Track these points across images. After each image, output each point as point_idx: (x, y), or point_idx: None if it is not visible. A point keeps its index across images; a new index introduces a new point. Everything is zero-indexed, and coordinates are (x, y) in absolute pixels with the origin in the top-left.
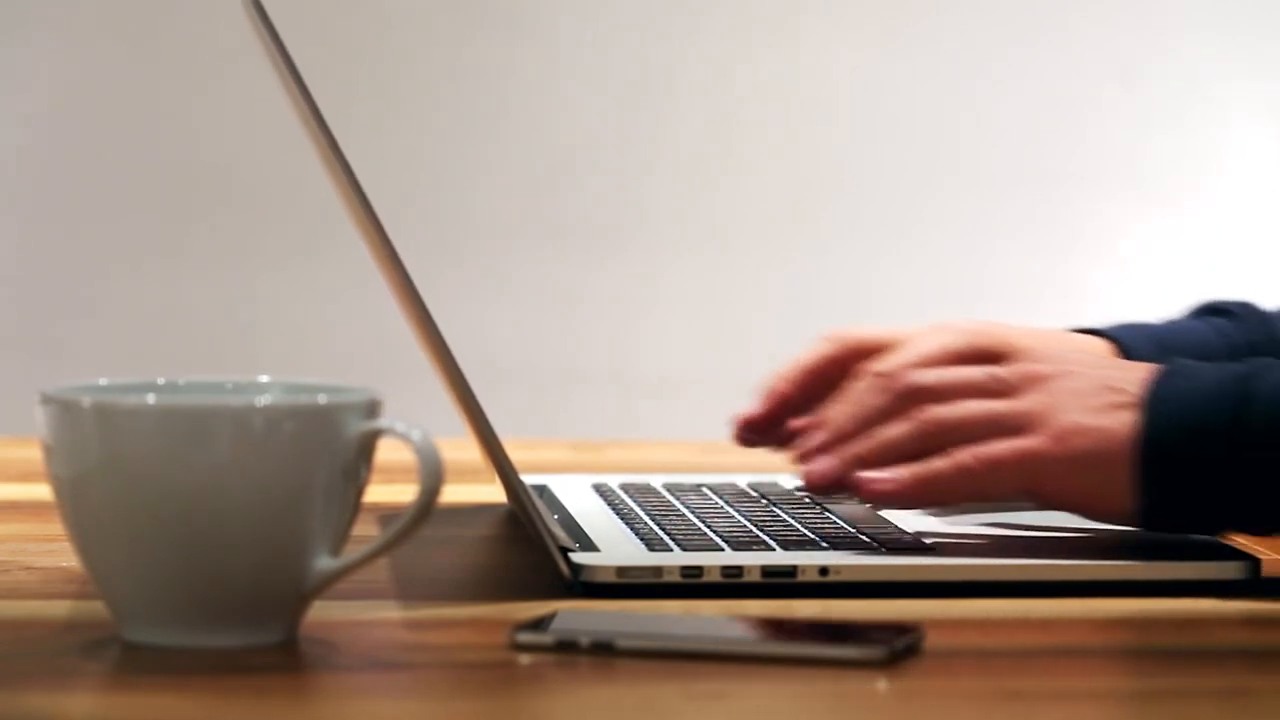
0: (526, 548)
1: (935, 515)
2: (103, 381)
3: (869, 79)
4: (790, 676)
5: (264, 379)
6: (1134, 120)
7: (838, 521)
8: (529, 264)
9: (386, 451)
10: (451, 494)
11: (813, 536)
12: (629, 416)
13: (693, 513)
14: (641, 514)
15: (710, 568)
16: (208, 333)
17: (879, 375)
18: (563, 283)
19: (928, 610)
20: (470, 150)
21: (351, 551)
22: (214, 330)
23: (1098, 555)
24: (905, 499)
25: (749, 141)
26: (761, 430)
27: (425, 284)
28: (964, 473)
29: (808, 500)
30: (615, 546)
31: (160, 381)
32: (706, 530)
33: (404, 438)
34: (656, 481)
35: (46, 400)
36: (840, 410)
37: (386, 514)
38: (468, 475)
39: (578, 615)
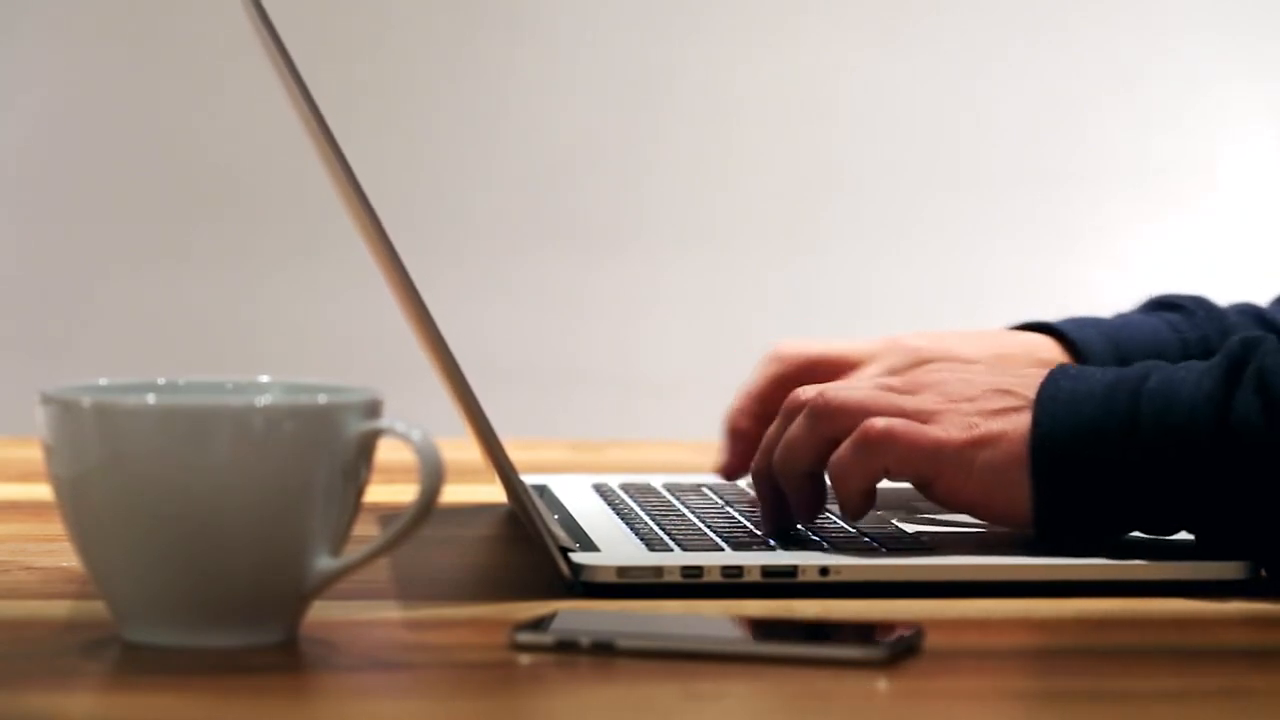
0: (526, 548)
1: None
2: (103, 381)
3: (869, 79)
4: (790, 676)
5: (264, 379)
6: (1134, 120)
7: (838, 522)
8: (529, 264)
9: (386, 451)
10: (451, 494)
11: (813, 536)
12: (629, 416)
13: (693, 513)
14: (641, 514)
15: (710, 568)
16: (208, 333)
17: (786, 407)
18: (563, 283)
19: (928, 610)
20: (470, 150)
21: (351, 551)
22: (214, 330)
23: (1098, 555)
24: (837, 494)
25: (749, 142)
26: (738, 472)
27: (425, 284)
28: (865, 447)
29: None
30: (615, 546)
31: (160, 381)
32: (706, 530)
33: (404, 438)
34: (656, 481)
35: (46, 400)
36: (759, 452)
37: (386, 514)
38: (468, 475)
39: (578, 615)
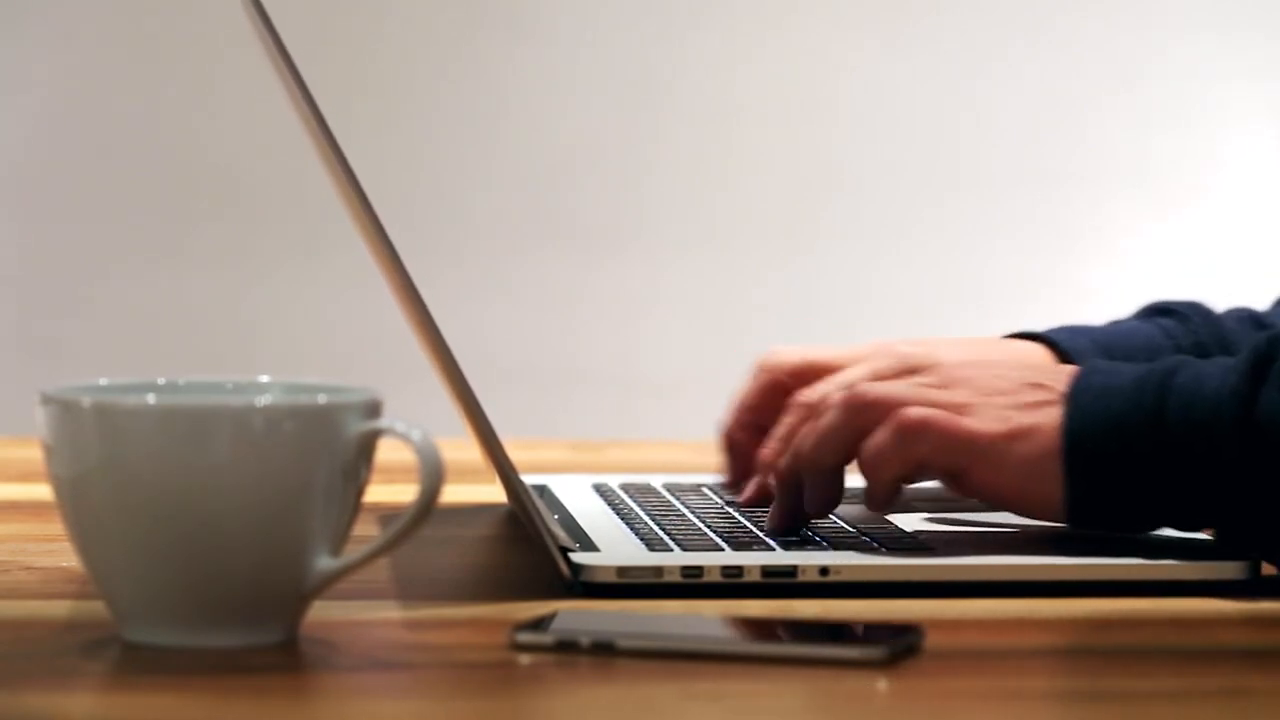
0: (526, 548)
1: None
2: (103, 381)
3: (869, 79)
4: (790, 676)
5: (264, 379)
6: (1134, 120)
7: (838, 521)
8: (529, 264)
9: (386, 451)
10: (451, 494)
11: (813, 536)
12: (629, 416)
13: (693, 513)
14: (641, 514)
15: (710, 568)
16: (207, 333)
17: (802, 404)
18: (563, 283)
19: (928, 610)
20: (470, 150)
21: (351, 551)
22: (214, 330)
23: (1098, 555)
24: (867, 483)
25: (749, 142)
26: (738, 484)
27: (425, 284)
28: (902, 435)
29: None
30: (615, 546)
31: (160, 381)
32: (706, 530)
33: (404, 438)
34: (656, 481)
35: (46, 400)
36: (769, 447)
37: (386, 514)
38: (468, 475)
39: (578, 615)
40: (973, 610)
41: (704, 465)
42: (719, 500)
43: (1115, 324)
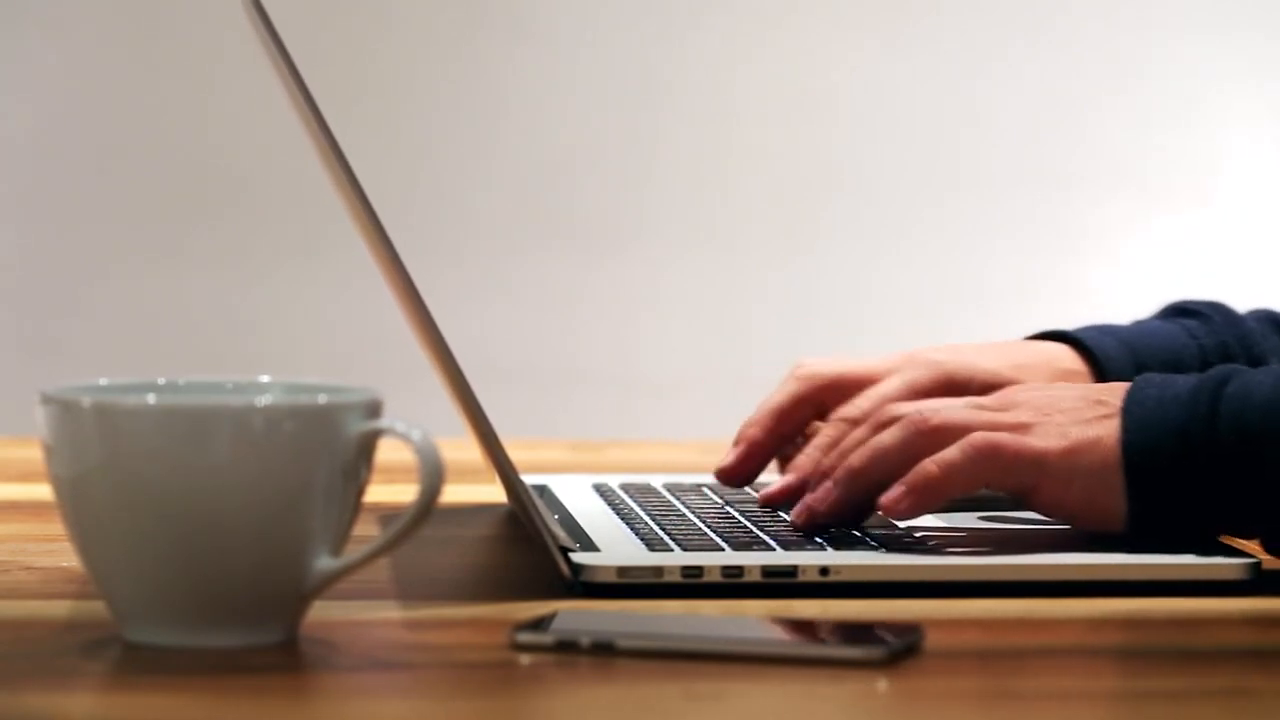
0: (526, 548)
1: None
2: (103, 381)
3: (869, 79)
4: (790, 676)
5: (264, 379)
6: (1134, 120)
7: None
8: (529, 264)
9: (386, 451)
10: (451, 494)
11: (813, 536)
12: (629, 416)
13: (693, 513)
14: (641, 514)
15: (710, 568)
16: (208, 333)
17: (844, 419)
18: (563, 283)
19: (928, 610)
20: (470, 150)
21: (351, 551)
22: (214, 330)
23: (1098, 555)
24: (921, 502)
25: (749, 142)
26: (739, 478)
27: (425, 284)
28: (972, 457)
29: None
30: (615, 546)
31: (160, 381)
32: (706, 530)
33: (404, 438)
34: (656, 481)
35: (46, 400)
36: (807, 455)
37: (386, 514)
38: (468, 475)
39: (578, 615)
40: (973, 610)
41: (704, 465)
42: (719, 500)
43: (1139, 324)
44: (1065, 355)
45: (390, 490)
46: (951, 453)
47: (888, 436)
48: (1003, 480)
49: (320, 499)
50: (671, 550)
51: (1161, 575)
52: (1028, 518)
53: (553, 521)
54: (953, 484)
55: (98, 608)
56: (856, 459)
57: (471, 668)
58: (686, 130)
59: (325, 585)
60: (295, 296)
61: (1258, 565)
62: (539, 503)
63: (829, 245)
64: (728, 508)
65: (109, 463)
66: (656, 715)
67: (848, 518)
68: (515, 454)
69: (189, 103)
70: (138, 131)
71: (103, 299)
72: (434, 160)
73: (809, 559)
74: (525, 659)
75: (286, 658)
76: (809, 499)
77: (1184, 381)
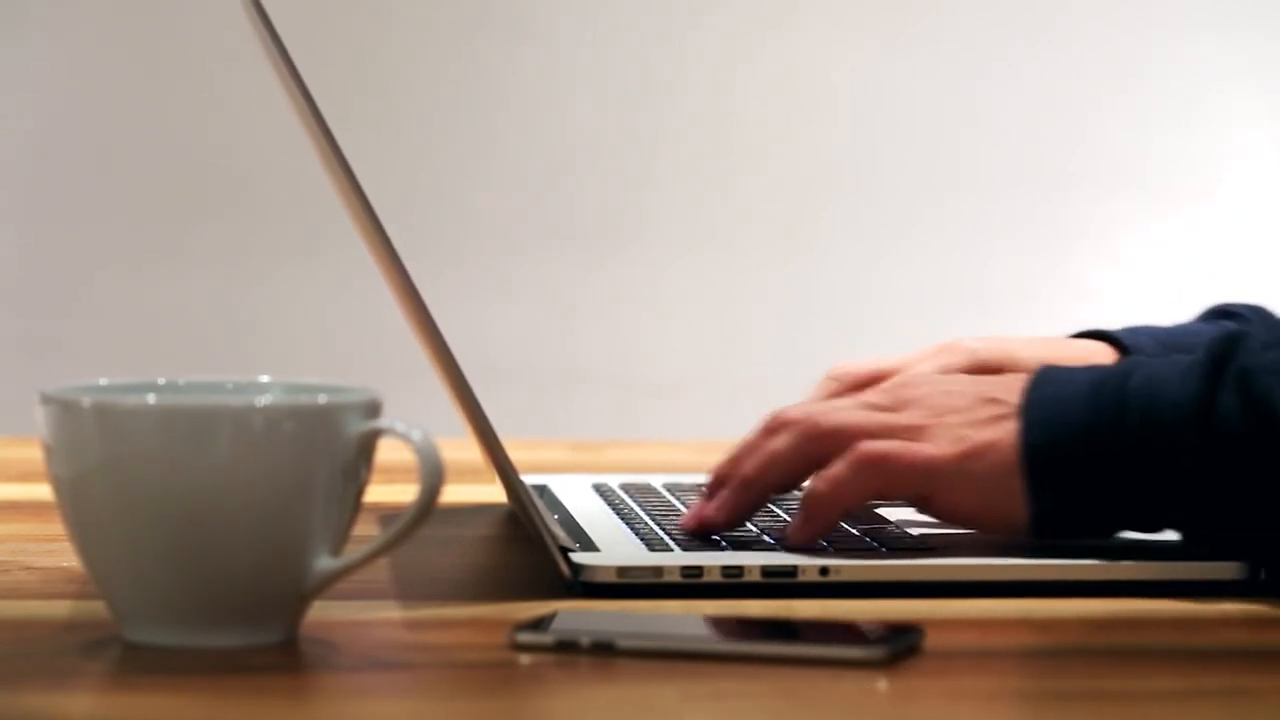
0: (526, 548)
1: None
2: (103, 381)
3: (869, 79)
4: (790, 676)
5: (264, 379)
6: (1134, 120)
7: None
8: (529, 264)
9: (386, 451)
10: (451, 494)
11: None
12: (629, 416)
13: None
14: (641, 514)
15: (710, 568)
16: (207, 333)
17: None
18: (563, 283)
19: (928, 610)
20: (470, 150)
21: (351, 551)
22: (214, 330)
23: (1098, 555)
24: (816, 525)
25: (749, 142)
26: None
27: (425, 284)
28: (859, 470)
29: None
30: (615, 546)
31: (160, 381)
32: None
33: (404, 438)
34: (656, 481)
35: (46, 400)
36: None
37: (386, 514)
38: (468, 475)
39: (578, 615)
40: (973, 610)
41: (704, 465)
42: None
43: (1180, 326)
44: (1105, 354)
45: (390, 490)
46: (838, 468)
47: (779, 442)
48: (895, 490)
49: (320, 499)
50: (671, 550)
51: (1160, 575)
52: None
53: (553, 521)
54: (843, 499)
55: (98, 608)
56: (749, 467)
57: (471, 668)
58: (686, 130)
59: (325, 585)
60: (295, 296)
61: (1256, 566)
62: (539, 503)
63: (829, 245)
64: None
65: (109, 463)
66: (656, 715)
67: (738, 523)
68: (515, 454)
69: (189, 103)
70: (138, 131)
71: (103, 299)
72: (434, 160)
73: (809, 559)
74: (525, 659)
75: (286, 658)
76: (703, 507)
77: (1083, 376)
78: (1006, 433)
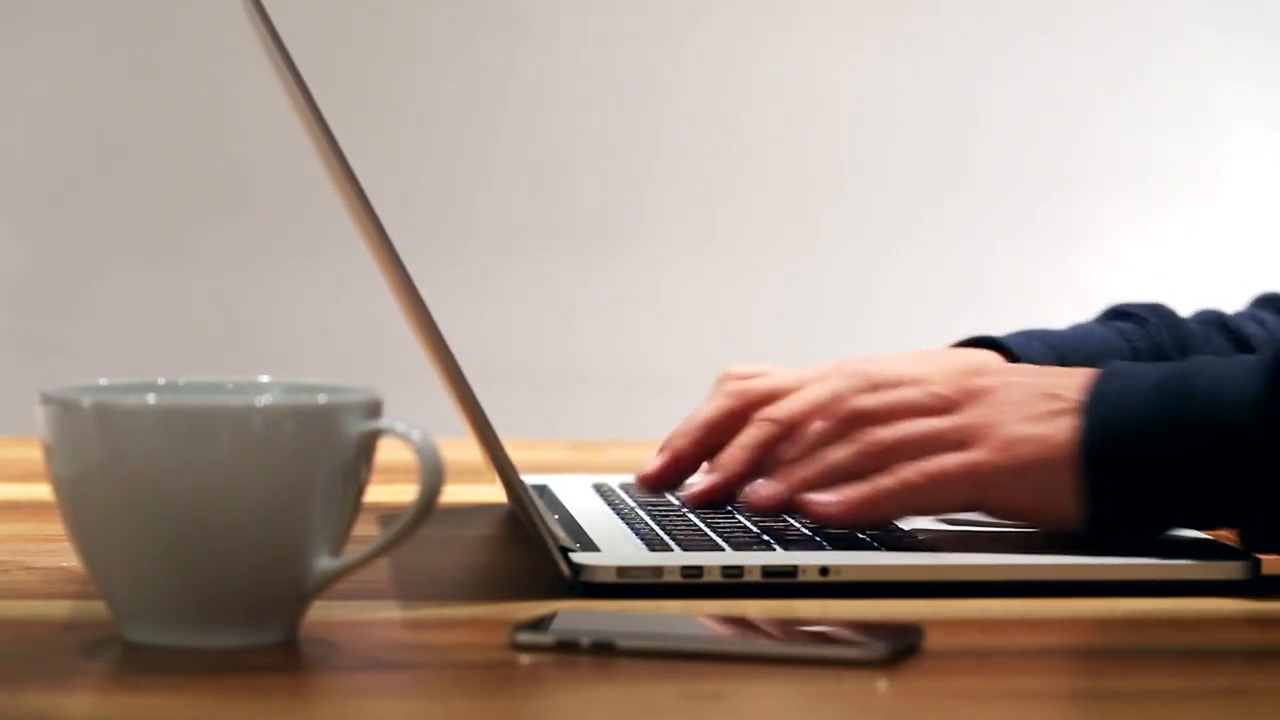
0: (526, 548)
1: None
2: (103, 381)
3: (869, 79)
4: (790, 676)
5: (264, 379)
6: (1134, 120)
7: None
8: (529, 264)
9: (386, 451)
10: (451, 494)
11: (813, 536)
12: (629, 416)
13: (693, 513)
14: (641, 514)
15: (710, 568)
16: (207, 333)
17: (769, 419)
18: (563, 283)
19: (928, 610)
20: (470, 150)
21: (351, 551)
22: (214, 330)
23: (1098, 555)
24: (851, 518)
25: (749, 142)
26: (661, 486)
27: (425, 284)
28: (910, 488)
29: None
30: (615, 546)
31: (160, 381)
32: (706, 530)
33: (404, 438)
34: None
35: (46, 400)
36: (731, 454)
37: (386, 514)
38: (468, 475)
39: (578, 615)
40: (973, 610)
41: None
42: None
43: (1074, 328)
44: (993, 362)
45: (390, 490)
46: (889, 482)
47: (838, 453)
48: (944, 503)
49: (320, 499)
50: (671, 550)
51: (1160, 575)
52: None
53: (553, 521)
54: (884, 513)
55: (98, 608)
56: (809, 471)
57: (471, 668)
58: (686, 130)
59: (325, 585)
60: (295, 296)
61: (1256, 566)
62: (539, 503)
63: (829, 245)
64: (728, 508)
65: (109, 463)
66: (656, 715)
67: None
68: (515, 454)
69: (189, 103)
70: (138, 132)
71: (103, 299)
72: (434, 160)
73: (809, 559)
74: (525, 659)
75: (286, 658)
76: (763, 489)
77: (1148, 373)
78: (1059, 429)
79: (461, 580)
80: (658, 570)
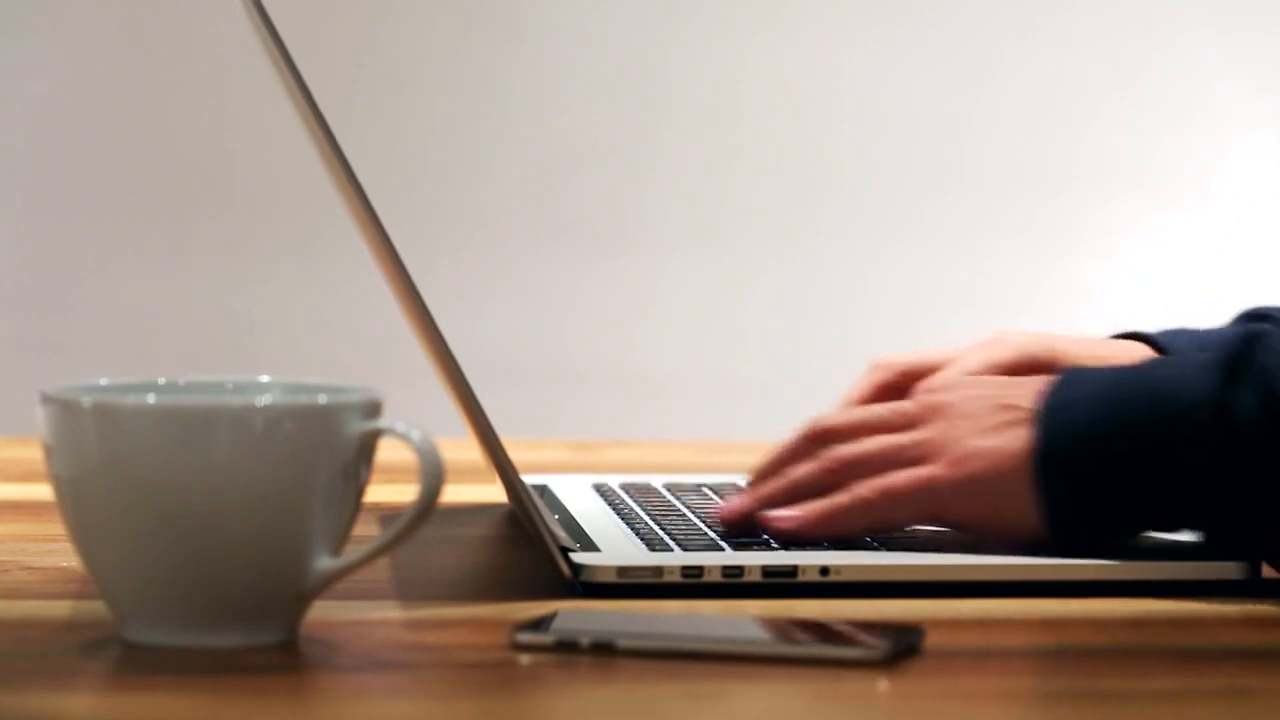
0: (526, 548)
1: None
2: (103, 381)
3: (869, 79)
4: (790, 676)
5: (264, 379)
6: (1134, 120)
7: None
8: (529, 264)
9: (386, 451)
10: (451, 494)
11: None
12: (629, 416)
13: (693, 513)
14: (641, 514)
15: (710, 568)
16: (207, 332)
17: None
18: (563, 283)
19: (928, 610)
20: (470, 150)
21: (351, 551)
22: (214, 330)
23: (1098, 555)
24: (809, 533)
25: (749, 141)
26: None
27: (425, 284)
28: (865, 505)
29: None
30: (615, 546)
31: (160, 381)
32: (706, 530)
33: (404, 438)
34: (656, 481)
35: (46, 400)
36: (762, 460)
37: (386, 514)
38: (468, 475)
39: (578, 615)
40: (973, 610)
41: (704, 465)
42: (719, 500)
43: (1216, 330)
44: (1144, 356)
45: (390, 490)
46: (843, 499)
47: (801, 469)
48: (899, 517)
49: (320, 499)
50: (671, 550)
51: (1160, 575)
52: None
53: (553, 521)
54: (840, 529)
55: (98, 608)
56: (773, 488)
57: (471, 668)
58: (686, 130)
59: (325, 585)
60: (295, 296)
61: (1256, 565)
62: (539, 503)
63: (829, 245)
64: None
65: (109, 463)
66: (656, 715)
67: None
68: (515, 454)
69: (188, 102)
70: (137, 131)
71: (103, 299)
72: (434, 160)
73: (809, 559)
74: (525, 659)
75: (286, 658)
76: (729, 504)
77: (1099, 378)
78: (1016, 440)
79: (461, 580)
80: (658, 570)
